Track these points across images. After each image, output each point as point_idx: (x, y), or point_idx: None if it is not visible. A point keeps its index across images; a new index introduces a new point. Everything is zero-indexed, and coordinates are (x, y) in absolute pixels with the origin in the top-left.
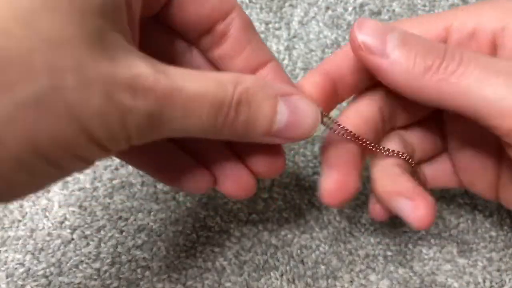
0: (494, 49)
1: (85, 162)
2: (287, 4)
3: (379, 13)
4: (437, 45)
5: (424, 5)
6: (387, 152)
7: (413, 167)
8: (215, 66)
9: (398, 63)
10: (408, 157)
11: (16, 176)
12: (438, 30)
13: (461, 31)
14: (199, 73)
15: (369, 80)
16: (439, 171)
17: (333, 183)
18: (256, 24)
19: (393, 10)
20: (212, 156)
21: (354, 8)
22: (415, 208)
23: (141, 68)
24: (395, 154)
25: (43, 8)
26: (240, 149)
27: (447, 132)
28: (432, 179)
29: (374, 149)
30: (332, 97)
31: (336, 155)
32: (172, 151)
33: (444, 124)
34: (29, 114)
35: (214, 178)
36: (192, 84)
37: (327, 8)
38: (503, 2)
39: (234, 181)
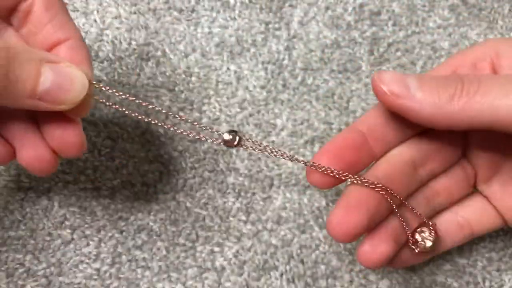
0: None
1: None
2: (287, 4)
3: (378, 13)
4: (452, 76)
5: (424, 5)
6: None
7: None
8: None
9: (424, 99)
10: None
11: None
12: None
13: (463, 65)
14: None
15: (399, 134)
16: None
17: (339, 217)
18: (256, 24)
19: (393, 11)
20: (11, 128)
21: (354, 8)
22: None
23: None
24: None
25: None
26: (41, 123)
27: (476, 167)
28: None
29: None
30: (364, 153)
31: (354, 196)
32: None
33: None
34: None
35: (13, 149)
36: None
37: (327, 8)
38: (492, 40)
39: (30, 153)
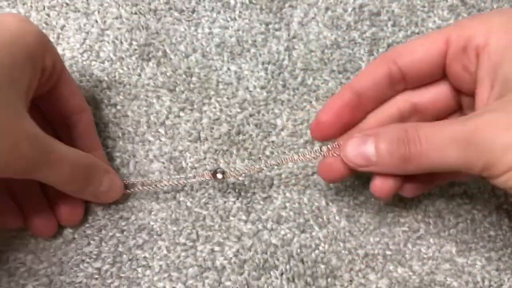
0: (477, 63)
1: None
2: (287, 5)
3: (378, 14)
4: (399, 134)
5: (423, 6)
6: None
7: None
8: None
9: (383, 164)
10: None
11: None
12: (439, 43)
13: (456, 45)
14: (64, 144)
15: (390, 92)
16: None
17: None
18: (256, 25)
19: (393, 11)
20: (28, 200)
21: (354, 9)
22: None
23: (36, 129)
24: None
25: None
26: (51, 195)
27: (461, 91)
28: None
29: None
30: (357, 108)
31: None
32: None
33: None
34: None
35: (24, 217)
36: (61, 148)
37: (327, 9)
38: (493, 15)
39: (41, 223)
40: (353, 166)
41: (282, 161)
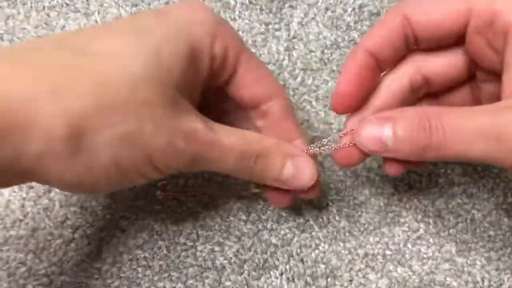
0: (505, 43)
1: (147, 179)
2: (287, 5)
3: (378, 14)
4: (420, 124)
5: None
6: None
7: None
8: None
9: (401, 151)
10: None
11: (99, 180)
12: (459, 11)
13: (481, 17)
14: (235, 130)
15: (402, 52)
16: (457, 104)
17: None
18: (256, 25)
19: None
20: None
21: (354, 9)
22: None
23: (196, 125)
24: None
25: (143, 80)
26: None
27: (476, 61)
28: None
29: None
30: (375, 71)
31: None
32: None
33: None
34: (118, 143)
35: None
36: (228, 138)
37: (327, 9)
38: None
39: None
40: (368, 151)
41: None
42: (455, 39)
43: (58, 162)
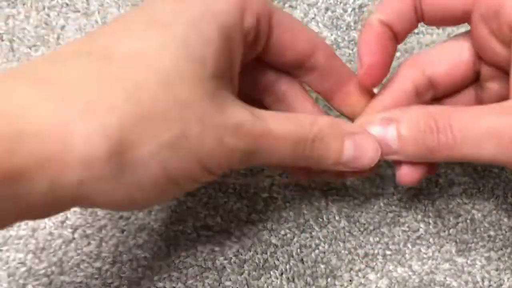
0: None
1: (200, 184)
2: (286, 5)
3: None
4: (427, 124)
5: None
6: None
7: None
8: (302, 87)
9: (407, 154)
10: None
11: (151, 194)
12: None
13: (486, 5)
14: (285, 115)
15: (413, 26)
16: (460, 105)
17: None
18: None
19: None
20: None
21: (354, 9)
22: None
23: (243, 116)
24: None
25: (177, 77)
26: None
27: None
28: None
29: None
30: (392, 40)
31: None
32: None
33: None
34: (165, 152)
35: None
36: (279, 126)
37: (327, 9)
38: None
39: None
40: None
41: None
42: (460, 21)
43: (103, 185)
